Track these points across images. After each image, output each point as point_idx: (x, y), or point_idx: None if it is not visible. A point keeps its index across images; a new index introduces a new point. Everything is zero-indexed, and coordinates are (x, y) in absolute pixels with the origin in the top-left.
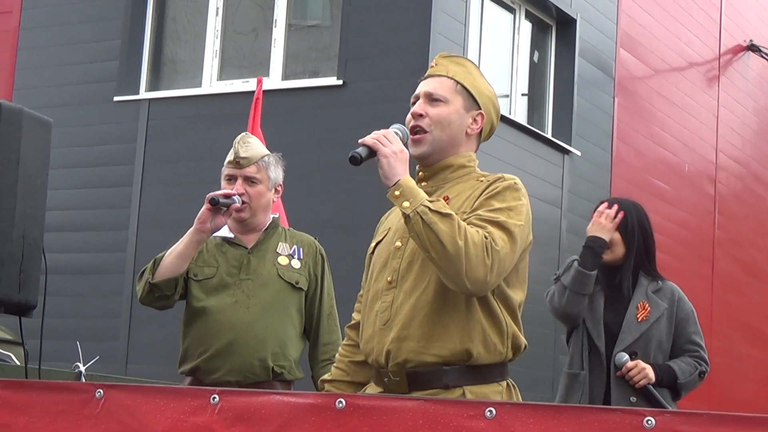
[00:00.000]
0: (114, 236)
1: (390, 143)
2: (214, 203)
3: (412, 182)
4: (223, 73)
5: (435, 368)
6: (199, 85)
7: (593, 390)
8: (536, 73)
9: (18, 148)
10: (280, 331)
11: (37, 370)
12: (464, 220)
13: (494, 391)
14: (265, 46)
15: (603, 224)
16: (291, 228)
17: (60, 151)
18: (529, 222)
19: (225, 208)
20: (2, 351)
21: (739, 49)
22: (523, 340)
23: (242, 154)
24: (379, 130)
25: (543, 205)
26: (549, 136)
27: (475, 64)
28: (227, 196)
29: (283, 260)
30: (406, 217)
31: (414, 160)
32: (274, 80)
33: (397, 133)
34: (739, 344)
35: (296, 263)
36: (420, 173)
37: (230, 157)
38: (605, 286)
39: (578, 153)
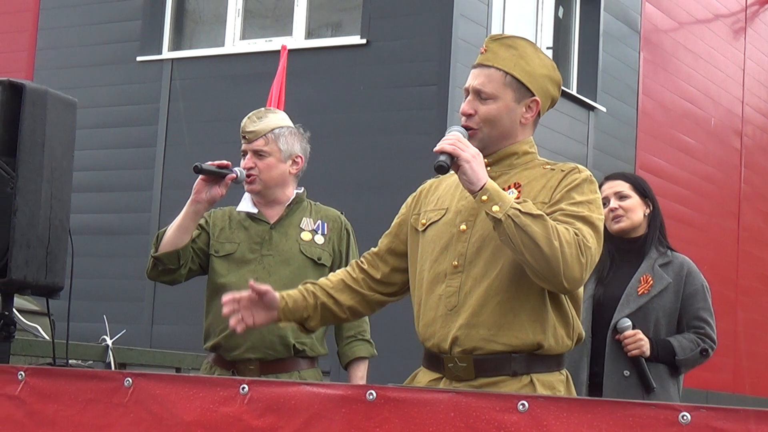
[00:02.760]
0: (138, 197)
1: (468, 147)
2: (197, 171)
3: (496, 185)
4: (246, 32)
5: (503, 356)
6: (222, 44)
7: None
8: (561, 28)
9: (43, 130)
10: None
11: (64, 344)
12: (546, 214)
13: (558, 380)
14: (288, 3)
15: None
16: (318, 203)
17: (83, 112)
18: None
19: (222, 179)
20: (29, 323)
21: (765, 0)
22: (583, 332)
23: (248, 128)
24: (446, 135)
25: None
26: (574, 92)
27: (529, 42)
28: (222, 167)
29: (306, 236)
30: (496, 221)
31: None
32: (297, 39)
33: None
34: (764, 298)
35: (319, 239)
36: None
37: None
38: (616, 254)
39: (603, 109)
